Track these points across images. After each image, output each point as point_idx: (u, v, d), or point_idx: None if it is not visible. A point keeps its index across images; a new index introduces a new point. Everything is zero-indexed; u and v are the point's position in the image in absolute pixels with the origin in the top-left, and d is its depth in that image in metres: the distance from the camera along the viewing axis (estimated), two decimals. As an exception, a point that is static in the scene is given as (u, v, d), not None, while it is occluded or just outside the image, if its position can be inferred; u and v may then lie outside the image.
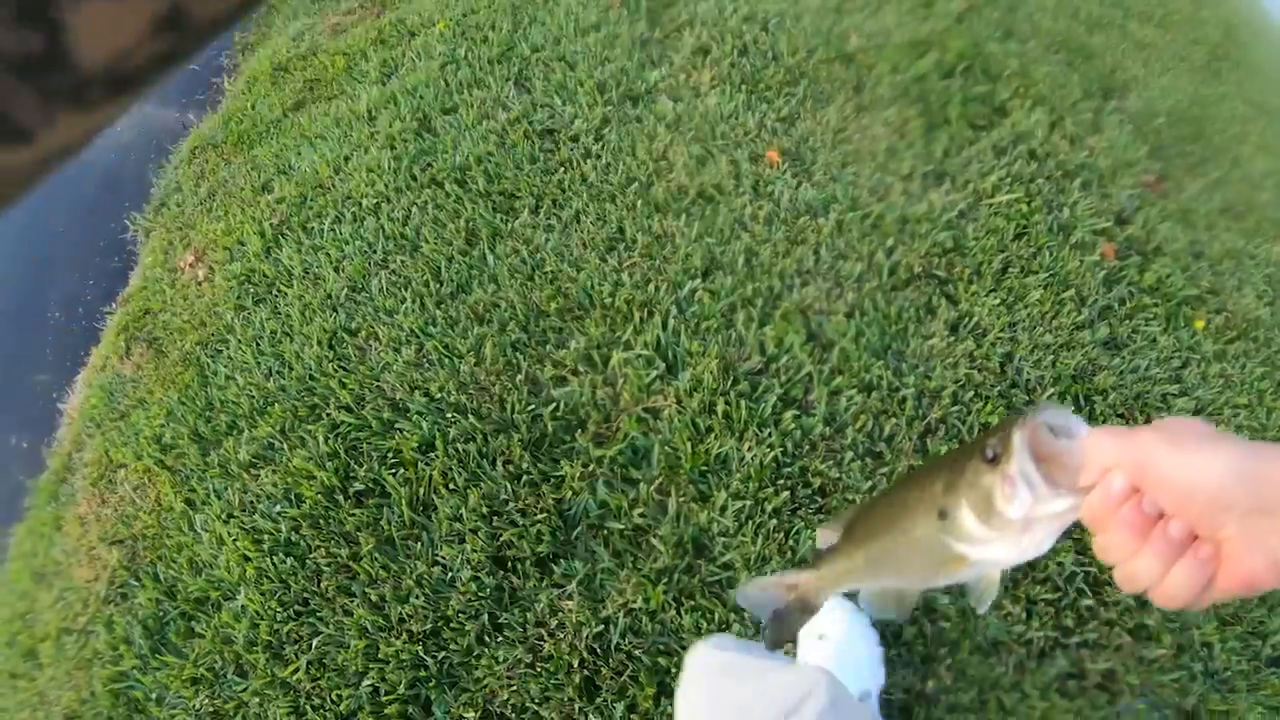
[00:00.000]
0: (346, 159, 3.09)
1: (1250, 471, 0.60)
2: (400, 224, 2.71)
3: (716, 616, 1.91)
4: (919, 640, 1.93)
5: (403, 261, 2.61)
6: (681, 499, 2.03)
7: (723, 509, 2.01)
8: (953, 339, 2.40)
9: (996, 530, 0.73)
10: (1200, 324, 2.70)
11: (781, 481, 2.06)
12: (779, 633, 1.06)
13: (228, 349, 2.65)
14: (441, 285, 2.49)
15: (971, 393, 2.29)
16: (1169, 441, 0.64)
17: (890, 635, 1.93)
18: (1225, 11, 5.84)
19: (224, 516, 2.25)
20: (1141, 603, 2.05)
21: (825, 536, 0.99)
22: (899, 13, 3.51)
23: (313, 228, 2.87)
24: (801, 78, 3.08)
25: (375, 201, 2.83)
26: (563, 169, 2.76)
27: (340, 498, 2.17)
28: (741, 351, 2.26)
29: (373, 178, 2.92)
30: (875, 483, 2.10)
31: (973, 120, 3.09)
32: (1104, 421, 2.35)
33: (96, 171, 4.17)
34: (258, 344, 2.60)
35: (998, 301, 2.50)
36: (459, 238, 2.61)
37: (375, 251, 2.67)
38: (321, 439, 2.25)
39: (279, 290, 2.74)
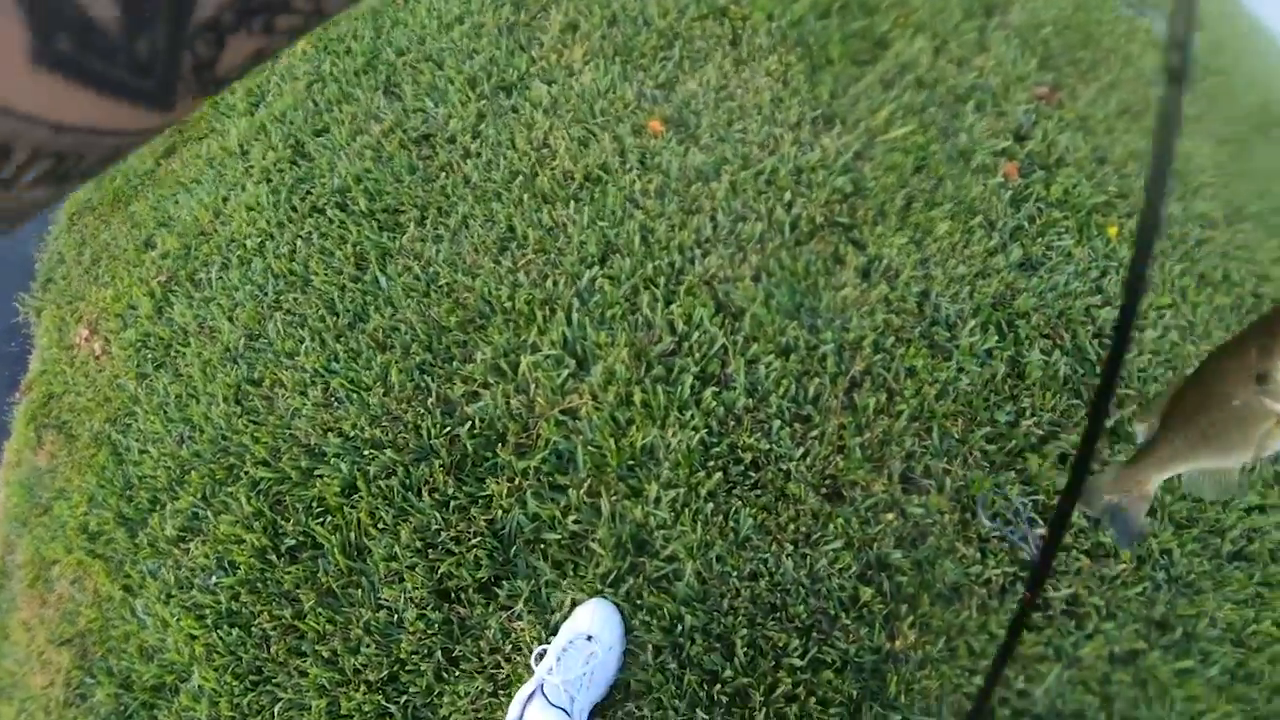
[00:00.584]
0: (225, 200, 2.95)
1: None
2: (288, 260, 2.60)
3: (667, 612, 1.86)
4: (876, 600, 1.89)
5: (296, 299, 2.50)
6: (613, 498, 1.97)
7: (657, 501, 1.96)
8: (865, 286, 2.35)
9: None
10: (1113, 230, 2.67)
11: (712, 463, 2.00)
12: (1126, 527, 1.07)
13: (136, 421, 2.53)
14: (338, 318, 2.39)
15: (892, 338, 2.24)
16: None
17: (846, 600, 1.89)
18: None
19: (163, 597, 2.16)
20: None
21: (1144, 428, 1.00)
22: None
23: (201, 279, 2.75)
24: (675, 39, 2.98)
25: (259, 240, 2.71)
26: (444, 174, 2.65)
27: (273, 557, 2.09)
28: (651, 335, 2.19)
29: (253, 216, 2.79)
30: (807, 448, 2.05)
31: (855, 57, 3.01)
32: (1028, 343, 2.32)
33: None
34: (164, 411, 2.49)
35: (906, 240, 2.44)
36: (348, 264, 2.50)
37: (267, 294, 2.56)
38: (244, 500, 2.16)
39: (176, 351, 2.61)
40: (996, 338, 2.29)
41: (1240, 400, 0.81)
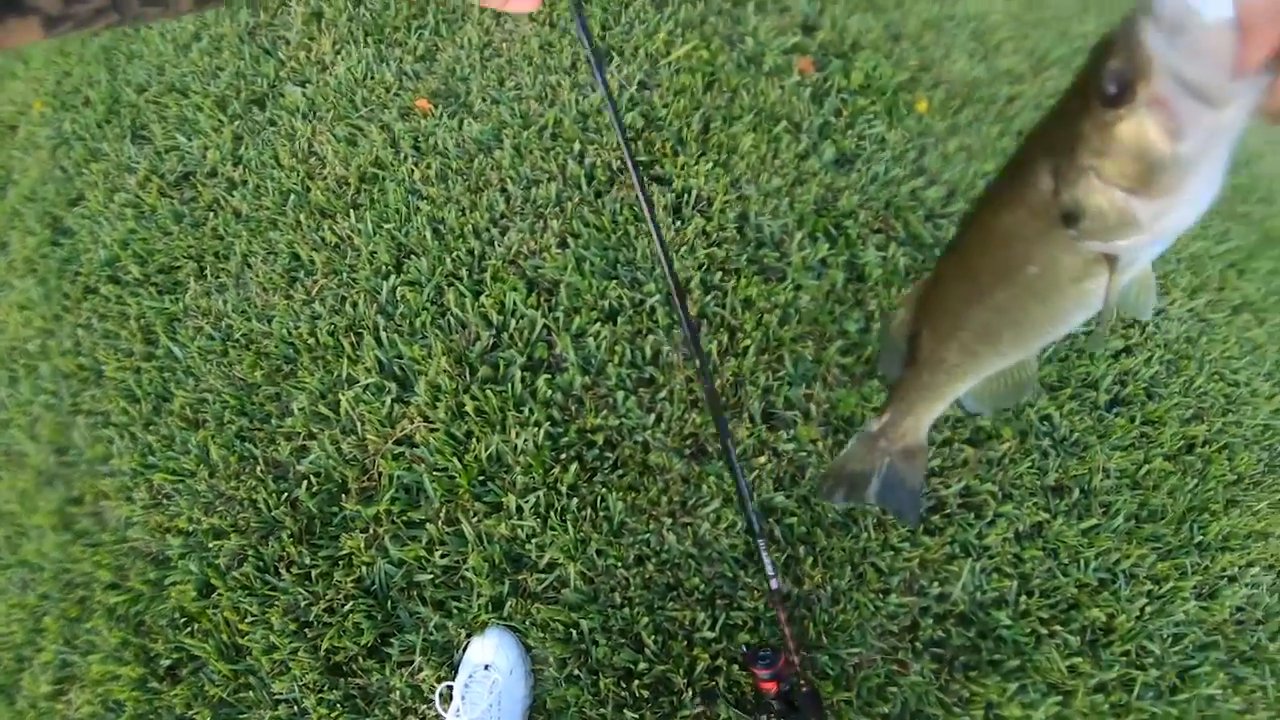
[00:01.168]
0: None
1: None
2: (74, 355, 2.34)
3: (560, 622, 1.73)
4: (772, 549, 1.79)
5: (93, 397, 2.26)
6: (474, 520, 1.83)
7: (519, 511, 1.82)
8: (680, 223, 2.20)
9: (1161, 191, 0.52)
10: (922, 105, 2.60)
11: (565, 455, 1.87)
12: (903, 497, 0.90)
13: None
14: (140, 405, 2.16)
15: (719, 272, 2.12)
16: None
17: (741, 559, 1.79)
18: None
19: None
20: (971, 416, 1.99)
21: (889, 357, 0.80)
22: None
23: None
24: (427, 4, 2.75)
25: (40, 342, 2.44)
26: (212, 214, 2.40)
27: (155, 683, 1.90)
28: (467, 335, 2.02)
29: (28, 316, 2.52)
30: (658, 412, 1.92)
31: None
32: (860, 243, 2.21)
33: None
34: None
35: (711, 165, 2.30)
36: (136, 341, 2.26)
37: (63, 399, 2.31)
38: (106, 632, 1.96)
39: None
40: (828, 245, 2.19)
41: (1041, 263, 0.61)
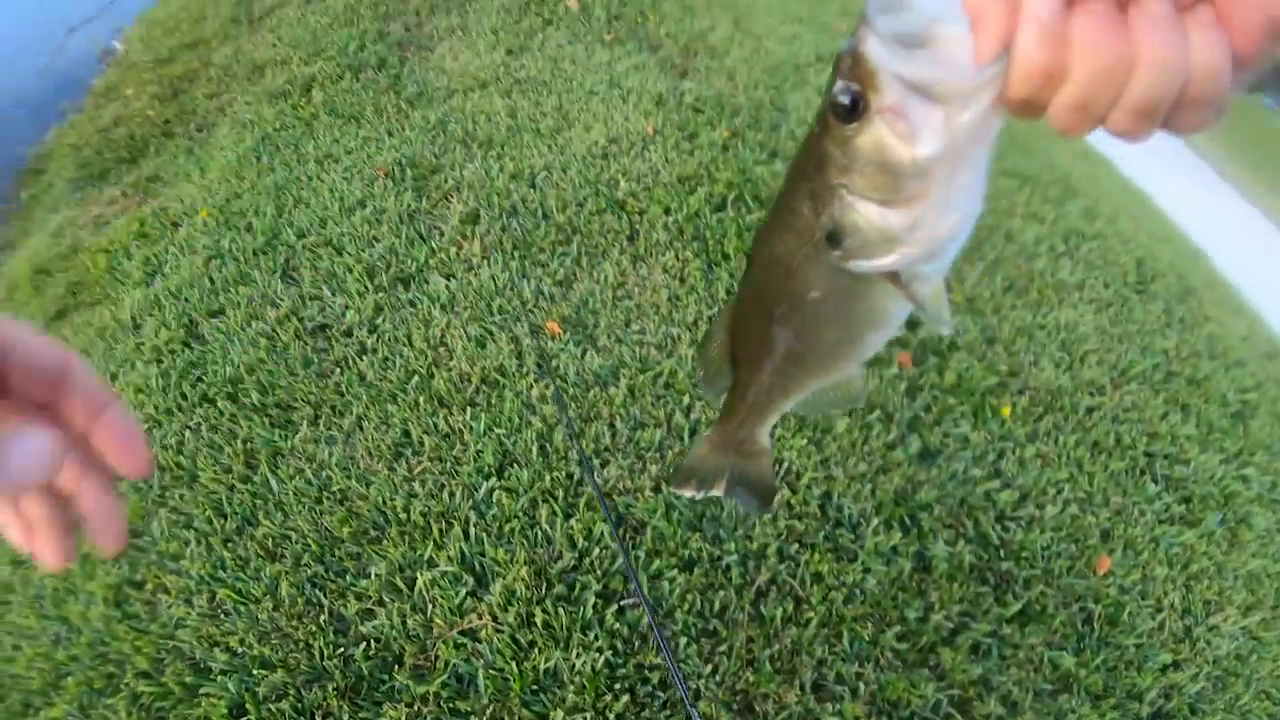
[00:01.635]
0: (113, 377, 2.89)
1: None
2: (175, 451, 2.54)
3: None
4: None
5: (182, 496, 2.44)
6: (516, 725, 1.95)
7: (562, 728, 1.94)
8: (768, 492, 2.42)
9: (911, 198, 0.52)
10: (1006, 410, 2.83)
11: (619, 685, 1.99)
12: (752, 491, 0.92)
13: (9, 612, 2.40)
14: (226, 520, 2.34)
15: (795, 544, 2.30)
16: None
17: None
18: None
19: None
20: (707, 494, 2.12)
21: (710, 377, 0.81)
22: (664, 150, 3.58)
23: None
24: (574, 234, 3.11)
25: (146, 427, 2.65)
26: (338, 369, 2.66)
27: (155, 780, 1.99)
28: (551, 550, 2.21)
29: (141, 399, 2.74)
30: (715, 664, 2.06)
31: (749, 250, 3.16)
32: (931, 536, 2.41)
33: None
34: (40, 605, 2.36)
35: (806, 441, 2.54)
36: (238, 461, 2.47)
37: (152, 487, 2.48)
38: (124, 714, 2.04)
39: None
40: (900, 534, 2.37)
41: (820, 287, 0.61)
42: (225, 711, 1.99)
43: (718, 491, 0.92)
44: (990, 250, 3.71)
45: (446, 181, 3.37)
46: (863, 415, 2.64)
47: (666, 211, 3.23)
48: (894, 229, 0.53)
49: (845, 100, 0.50)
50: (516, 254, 3.00)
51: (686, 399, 2.59)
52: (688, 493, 0.94)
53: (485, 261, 2.97)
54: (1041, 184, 4.78)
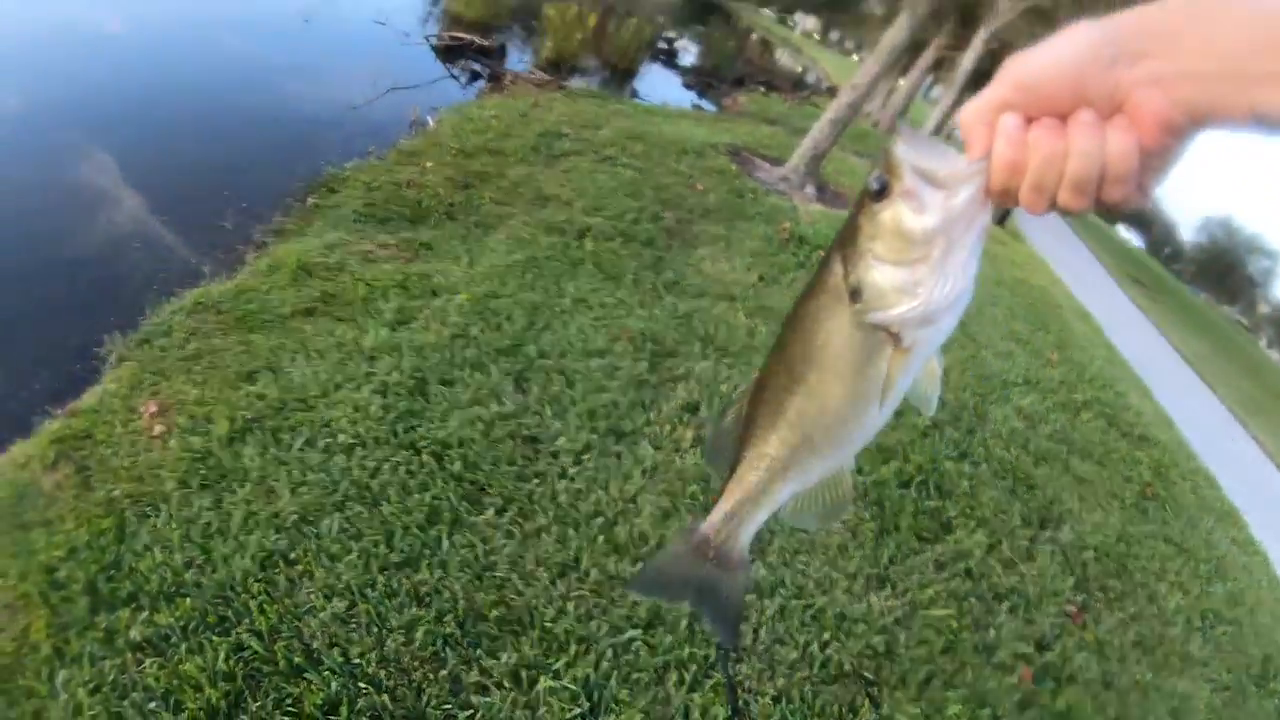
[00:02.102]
0: (337, 386, 3.20)
1: (1104, 30, 0.60)
2: (369, 474, 2.80)
3: None
4: None
5: (360, 512, 2.67)
6: None
7: None
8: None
9: (916, 261, 0.67)
10: None
11: None
12: (723, 609, 0.87)
13: (157, 518, 2.54)
14: (391, 552, 2.55)
15: None
16: (1025, 52, 0.64)
17: None
18: (1158, 453, 6.62)
19: (91, 686, 2.07)
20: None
21: (717, 451, 0.85)
22: None
23: (283, 439, 2.91)
24: (774, 459, 3.40)
25: (351, 442, 2.92)
26: (537, 480, 2.93)
27: (225, 723, 2.06)
28: (667, 711, 2.34)
29: (357, 417, 3.03)
30: None
31: (920, 532, 3.45)
32: None
33: (98, 272, 4.25)
34: (189, 528, 2.51)
35: (918, 711, 2.66)
36: (421, 511, 2.70)
37: (336, 491, 2.72)
38: (222, 655, 2.17)
39: (230, 487, 2.70)
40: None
41: (838, 337, 0.73)
42: (319, 702, 2.13)
43: (683, 602, 0.88)
44: (1132, 604, 3.89)
45: (679, 368, 3.73)
46: (975, 708, 2.80)
47: (859, 472, 3.53)
48: (903, 284, 0.68)
49: (876, 186, 0.68)
50: (720, 457, 3.28)
51: (827, 635, 2.78)
52: (652, 597, 0.96)
53: (692, 450, 3.26)
54: (1196, 559, 4.97)
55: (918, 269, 0.67)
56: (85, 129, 5.71)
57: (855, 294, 0.70)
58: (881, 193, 0.67)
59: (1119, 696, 3.24)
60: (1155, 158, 0.61)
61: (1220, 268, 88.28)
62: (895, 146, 0.67)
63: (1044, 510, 4.29)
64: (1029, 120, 0.63)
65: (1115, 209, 0.65)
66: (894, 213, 0.67)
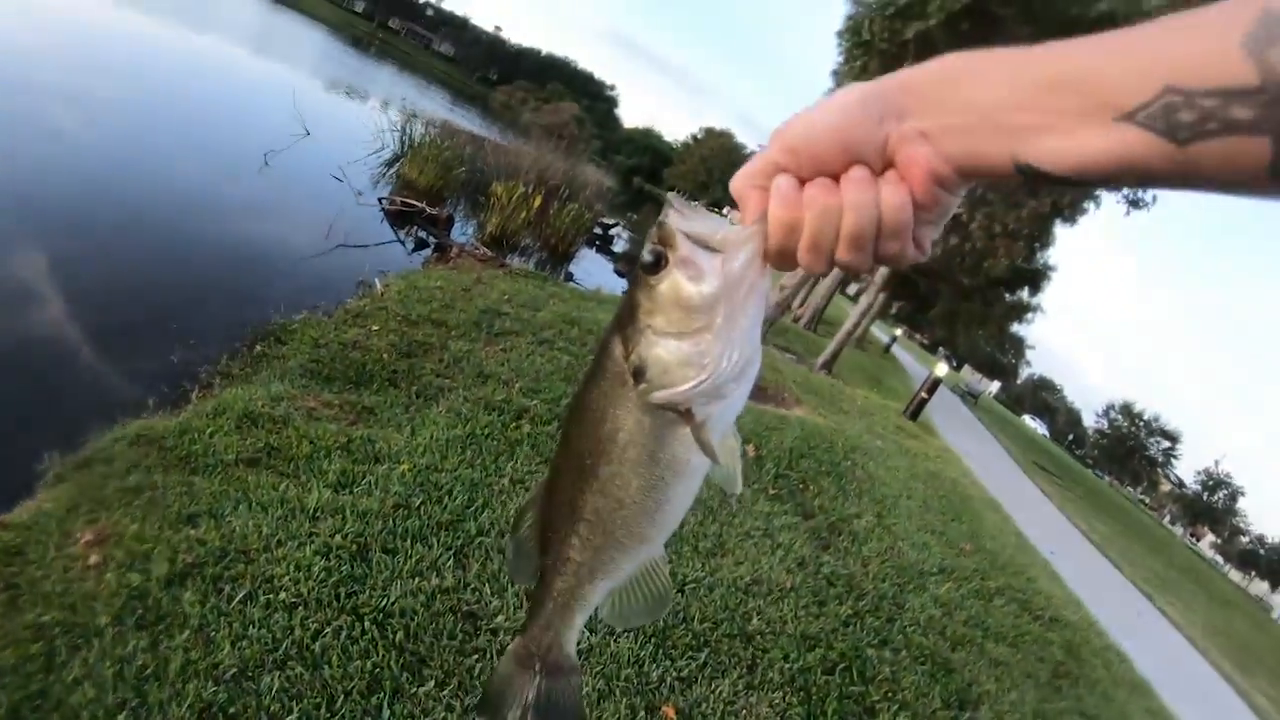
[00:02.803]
0: (279, 543, 3.24)
1: (870, 90, 0.61)
2: (310, 636, 2.84)
3: None
4: None
5: (301, 673, 2.69)
6: None
7: None
8: None
9: (699, 330, 0.66)
10: None
11: None
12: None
13: (89, 652, 2.49)
14: (333, 717, 2.58)
15: None
16: (798, 114, 0.63)
17: None
18: (1069, 633, 6.99)
19: None
20: None
21: (518, 563, 0.84)
22: (795, 606, 4.30)
23: (224, 589, 2.92)
24: (705, 645, 3.63)
25: (294, 601, 2.96)
26: (476, 656, 3.02)
27: None
28: None
29: (299, 576, 3.08)
30: None
31: (846, 717, 3.64)
32: None
33: (39, 388, 4.28)
34: (123, 668, 2.47)
35: None
36: (361, 679, 2.75)
37: (277, 649, 2.75)
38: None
39: (169, 631, 2.67)
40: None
41: (627, 425, 0.70)
42: None
43: (524, 715, 0.85)
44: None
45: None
46: None
47: (785, 658, 3.79)
48: (688, 356, 0.66)
49: (651, 258, 0.66)
50: (654, 640, 3.49)
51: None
52: (487, 713, 0.89)
53: (625, 635, 3.43)
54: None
55: (701, 338, 0.66)
56: (34, 245, 5.77)
57: (638, 374, 0.68)
58: (656, 265, 0.66)
59: None
60: (928, 210, 0.62)
61: (1122, 452, 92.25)
62: (667, 217, 0.67)
63: (963, 692, 4.54)
64: (802, 182, 0.63)
65: (893, 263, 0.65)
66: (671, 283, 0.66)
